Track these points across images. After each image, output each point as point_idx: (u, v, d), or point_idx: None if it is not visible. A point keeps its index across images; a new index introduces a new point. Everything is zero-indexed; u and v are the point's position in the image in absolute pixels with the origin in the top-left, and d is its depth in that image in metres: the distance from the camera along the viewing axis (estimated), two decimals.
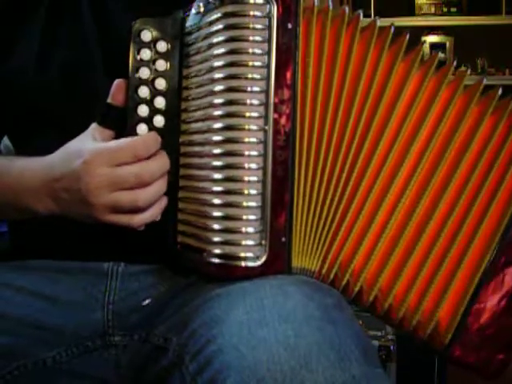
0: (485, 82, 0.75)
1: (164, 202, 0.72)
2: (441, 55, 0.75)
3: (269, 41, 0.69)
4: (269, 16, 0.69)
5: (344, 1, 3.27)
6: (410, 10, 3.51)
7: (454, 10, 3.50)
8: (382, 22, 0.74)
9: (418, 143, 0.74)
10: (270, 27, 0.69)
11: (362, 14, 0.74)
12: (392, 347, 1.49)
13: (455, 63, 0.74)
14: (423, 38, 3.36)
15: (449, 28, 3.42)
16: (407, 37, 0.74)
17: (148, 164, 0.69)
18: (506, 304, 0.76)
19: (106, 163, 0.67)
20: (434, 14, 3.51)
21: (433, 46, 3.33)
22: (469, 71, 0.75)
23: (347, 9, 0.73)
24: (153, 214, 0.71)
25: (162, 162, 0.71)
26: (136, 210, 0.69)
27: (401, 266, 0.74)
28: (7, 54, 0.83)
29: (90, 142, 0.70)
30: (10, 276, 0.82)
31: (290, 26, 0.70)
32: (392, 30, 0.74)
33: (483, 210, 0.74)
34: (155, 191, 0.69)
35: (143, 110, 0.72)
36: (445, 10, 3.50)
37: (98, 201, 0.68)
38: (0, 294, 0.79)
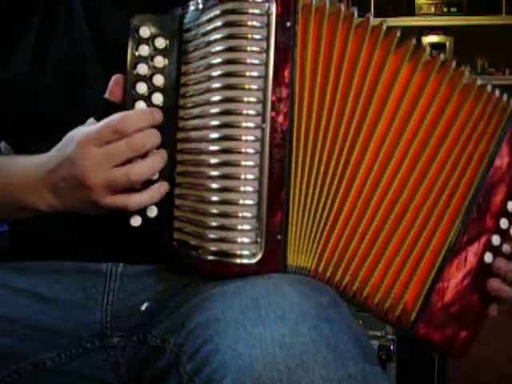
0: (468, 71, 0.77)
1: (164, 187, 0.72)
2: (442, 56, 0.76)
3: (267, 39, 0.69)
4: (268, 14, 0.69)
5: (344, 1, 3.27)
6: (410, 10, 3.52)
7: (454, 9, 3.51)
8: (381, 21, 0.75)
9: (407, 135, 0.75)
10: (268, 25, 0.69)
11: (356, 11, 0.74)
12: (392, 347, 1.48)
13: (442, 56, 0.76)
14: (423, 38, 3.36)
15: (449, 28, 3.43)
16: (398, 33, 0.75)
17: (135, 137, 0.68)
18: (469, 282, 0.77)
19: (96, 143, 0.67)
20: (434, 14, 3.52)
21: (433, 45, 3.33)
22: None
23: (342, 6, 0.73)
24: (150, 196, 0.70)
25: (151, 135, 0.70)
26: (130, 185, 0.69)
27: (379, 257, 0.75)
28: (3, 58, 0.83)
29: (82, 128, 0.71)
30: (8, 277, 0.82)
31: (288, 24, 0.70)
32: (384, 26, 0.75)
33: (451, 194, 0.76)
34: (148, 166, 0.69)
35: (141, 106, 0.72)
36: (445, 9, 3.51)
37: (95, 182, 0.68)
38: None
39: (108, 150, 0.67)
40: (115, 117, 0.69)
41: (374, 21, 0.75)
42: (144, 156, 0.69)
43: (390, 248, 0.75)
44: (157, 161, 0.70)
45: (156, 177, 0.72)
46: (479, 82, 0.77)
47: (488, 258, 0.77)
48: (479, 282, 0.77)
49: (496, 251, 0.78)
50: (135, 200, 0.70)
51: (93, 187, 0.68)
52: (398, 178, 0.75)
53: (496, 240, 0.78)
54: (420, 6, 3.52)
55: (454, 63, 0.76)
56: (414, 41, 0.75)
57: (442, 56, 0.76)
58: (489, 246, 0.78)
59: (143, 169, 0.69)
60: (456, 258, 0.76)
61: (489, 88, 0.77)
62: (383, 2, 3.43)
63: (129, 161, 0.68)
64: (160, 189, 0.71)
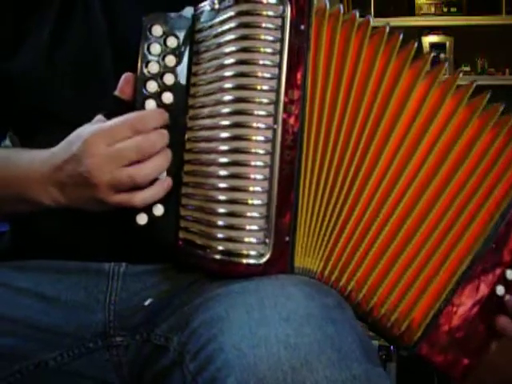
0: (488, 96, 0.76)
1: (168, 182, 0.72)
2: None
3: (281, 41, 0.69)
4: (282, 16, 0.69)
5: (344, 1, 3.27)
6: (410, 10, 3.52)
7: (454, 9, 3.51)
8: (382, 22, 0.75)
9: (422, 149, 0.75)
10: (282, 27, 0.69)
11: (372, 19, 0.74)
12: (392, 347, 1.48)
13: (461, 74, 0.76)
14: (423, 38, 3.36)
15: (449, 28, 3.42)
16: (415, 45, 0.75)
17: (144, 138, 0.68)
18: (478, 311, 0.77)
19: (105, 141, 0.68)
20: (434, 14, 3.52)
21: (433, 45, 3.33)
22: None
23: (357, 13, 0.74)
24: (154, 192, 0.70)
25: (160, 136, 0.70)
26: (135, 185, 0.69)
27: (388, 269, 0.75)
28: (16, 49, 0.83)
29: (90, 126, 0.71)
30: (10, 276, 0.81)
31: (302, 27, 0.71)
32: (401, 36, 0.74)
33: (470, 220, 0.76)
34: (154, 167, 0.69)
35: (151, 105, 0.72)
36: (445, 9, 3.51)
37: (100, 180, 0.68)
38: (0, 294, 0.79)
39: (116, 151, 0.67)
40: (132, 115, 0.69)
41: (389, 30, 0.74)
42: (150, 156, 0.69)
43: (400, 261, 0.75)
44: (163, 161, 0.70)
45: (164, 175, 0.72)
46: (502, 107, 0.76)
47: (500, 290, 0.77)
48: (488, 312, 0.77)
49: (509, 285, 0.78)
50: (140, 197, 0.70)
51: (98, 185, 0.68)
52: (412, 188, 0.75)
53: (510, 274, 0.77)
54: (420, 5, 3.52)
55: (474, 84, 0.76)
56: (431, 55, 0.75)
57: (460, 75, 0.76)
58: (503, 279, 0.77)
59: (148, 170, 0.69)
60: (468, 285, 0.76)
61: None
62: (383, 2, 3.43)
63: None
64: (164, 184, 0.71)
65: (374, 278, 0.75)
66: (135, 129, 0.68)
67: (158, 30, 0.72)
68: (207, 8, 0.72)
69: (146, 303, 0.80)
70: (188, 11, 0.73)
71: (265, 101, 0.69)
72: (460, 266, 0.76)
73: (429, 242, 0.75)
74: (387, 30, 0.74)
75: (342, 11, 0.73)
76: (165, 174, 0.72)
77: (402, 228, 0.75)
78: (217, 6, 0.71)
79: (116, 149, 0.67)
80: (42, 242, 0.84)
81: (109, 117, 0.71)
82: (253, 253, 0.70)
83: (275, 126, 0.69)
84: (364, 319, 0.76)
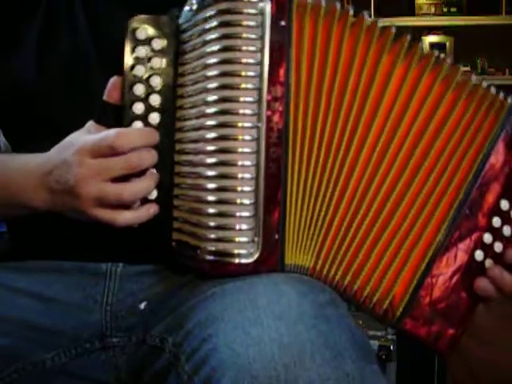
0: (462, 68, 0.77)
1: (153, 209, 0.72)
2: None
3: (262, 38, 0.69)
4: (262, 13, 0.69)
5: (344, 1, 3.27)
6: (410, 10, 3.53)
7: (454, 9, 3.52)
8: (382, 22, 0.76)
9: (398, 140, 0.75)
10: (263, 25, 0.69)
11: (352, 9, 0.74)
12: (392, 347, 1.49)
13: (436, 53, 0.76)
14: (423, 38, 3.37)
15: (449, 28, 3.44)
16: (393, 29, 0.75)
17: (132, 155, 0.68)
18: (458, 279, 0.77)
19: (91, 154, 0.68)
20: (434, 14, 3.53)
21: (433, 46, 3.34)
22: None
23: (338, 4, 0.74)
24: (138, 216, 0.70)
25: (148, 154, 0.70)
26: (121, 203, 0.69)
27: (370, 252, 0.75)
28: (5, 57, 0.83)
29: (84, 134, 0.71)
30: (7, 277, 0.82)
31: (283, 23, 0.70)
32: (379, 24, 0.75)
33: (445, 189, 0.76)
34: (141, 187, 0.70)
35: (139, 108, 0.72)
36: (445, 9, 3.52)
37: (85, 191, 0.68)
38: None
39: (104, 162, 0.68)
40: (112, 132, 0.69)
41: (368, 19, 0.75)
42: (140, 174, 0.69)
43: (380, 243, 0.75)
44: (150, 183, 0.71)
45: (154, 196, 0.72)
46: (474, 78, 0.77)
47: (479, 255, 0.77)
48: (469, 279, 0.77)
49: (487, 249, 0.78)
50: (122, 217, 0.70)
51: (82, 196, 0.68)
52: (390, 175, 0.75)
53: (488, 238, 0.77)
54: (420, 5, 3.53)
55: (449, 60, 0.76)
56: (408, 37, 0.75)
57: (436, 52, 0.76)
58: (480, 244, 0.77)
59: (135, 190, 0.69)
60: (446, 254, 0.76)
61: (484, 85, 0.77)
62: (383, 1, 3.44)
63: (124, 177, 0.69)
64: (149, 210, 0.71)
65: (358, 262, 0.75)
66: (117, 145, 0.68)
67: (142, 33, 0.72)
68: (186, 8, 0.72)
69: (142, 306, 0.80)
70: (172, 12, 0.73)
71: (249, 99, 0.69)
72: (436, 236, 0.76)
73: (407, 220, 0.75)
74: (366, 18, 0.74)
75: (323, 4, 0.73)
76: (155, 193, 0.72)
77: (382, 212, 0.75)
78: (195, 7, 0.71)
79: (104, 161, 0.68)
80: (39, 243, 0.84)
81: (99, 122, 0.72)
82: (243, 252, 0.71)
83: (259, 124, 0.69)
84: (348, 303, 0.76)
